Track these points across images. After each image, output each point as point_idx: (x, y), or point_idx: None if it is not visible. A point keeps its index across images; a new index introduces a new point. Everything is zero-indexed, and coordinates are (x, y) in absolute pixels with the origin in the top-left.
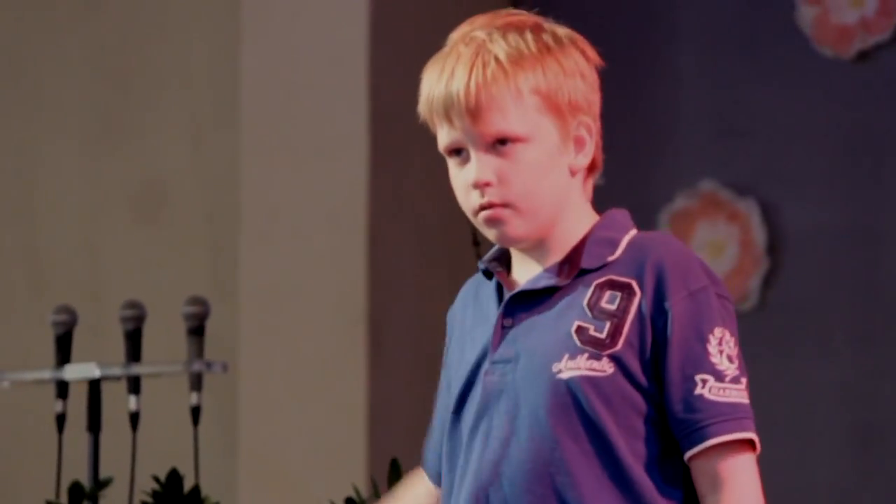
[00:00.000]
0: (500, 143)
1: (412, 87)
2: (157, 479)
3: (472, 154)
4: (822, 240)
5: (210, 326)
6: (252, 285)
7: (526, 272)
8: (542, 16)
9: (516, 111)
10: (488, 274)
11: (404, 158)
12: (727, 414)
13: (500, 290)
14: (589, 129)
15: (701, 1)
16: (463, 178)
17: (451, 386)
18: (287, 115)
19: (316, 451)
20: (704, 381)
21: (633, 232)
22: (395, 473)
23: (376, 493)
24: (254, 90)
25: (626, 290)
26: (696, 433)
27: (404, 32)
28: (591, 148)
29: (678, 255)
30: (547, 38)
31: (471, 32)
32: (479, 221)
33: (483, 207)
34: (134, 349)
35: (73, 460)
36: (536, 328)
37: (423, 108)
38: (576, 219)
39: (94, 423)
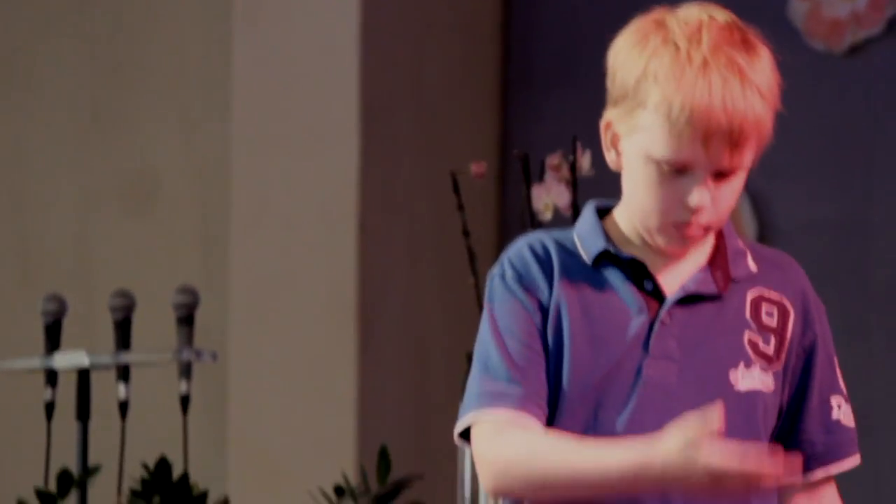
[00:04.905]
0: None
1: (404, 81)
2: (145, 467)
3: (703, 177)
4: (812, 233)
5: (200, 316)
6: (242, 276)
7: (653, 261)
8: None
9: (755, 148)
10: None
11: (395, 152)
12: (854, 439)
13: (629, 275)
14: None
15: None
16: (676, 191)
17: (580, 364)
18: (278, 108)
19: (305, 440)
20: (839, 406)
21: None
22: (384, 461)
23: (365, 481)
24: (245, 83)
25: (780, 307)
26: (834, 451)
27: (396, 26)
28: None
29: (807, 278)
30: (770, 63)
31: (723, 46)
32: (670, 229)
33: (688, 224)
34: (123, 338)
35: (62, 448)
36: (702, 332)
37: (663, 106)
38: None
39: (83, 412)
